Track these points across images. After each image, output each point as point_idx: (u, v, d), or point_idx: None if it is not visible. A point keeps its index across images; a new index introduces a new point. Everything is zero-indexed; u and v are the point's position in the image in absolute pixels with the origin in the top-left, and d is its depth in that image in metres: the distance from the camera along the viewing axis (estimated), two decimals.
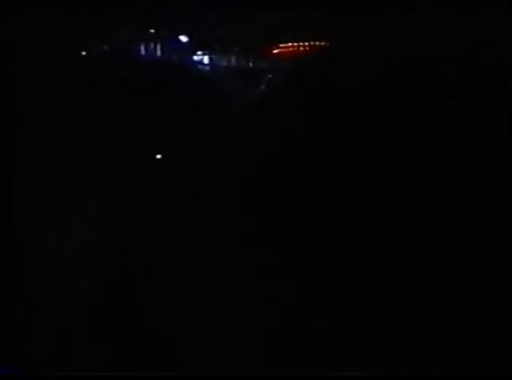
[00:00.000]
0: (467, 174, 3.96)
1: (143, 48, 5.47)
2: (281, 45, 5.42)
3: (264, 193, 4.43)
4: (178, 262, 4.16)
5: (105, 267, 4.26)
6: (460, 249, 3.70)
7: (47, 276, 4.23)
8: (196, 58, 5.48)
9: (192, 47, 5.49)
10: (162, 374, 3.46)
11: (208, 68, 5.47)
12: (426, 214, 3.92)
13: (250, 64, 5.33)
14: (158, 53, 5.47)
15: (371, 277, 3.74)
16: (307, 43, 5.33)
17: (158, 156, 5.07)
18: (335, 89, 4.69)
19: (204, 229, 4.31)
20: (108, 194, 4.70)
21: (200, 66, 5.52)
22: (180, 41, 5.51)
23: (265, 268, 3.94)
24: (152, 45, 5.47)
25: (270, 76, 5.29)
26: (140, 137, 5.08)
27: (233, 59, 5.42)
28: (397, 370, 2.98)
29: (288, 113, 4.78)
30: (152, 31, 5.52)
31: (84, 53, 5.31)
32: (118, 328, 3.88)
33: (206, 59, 5.48)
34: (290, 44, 5.39)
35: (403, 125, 4.18)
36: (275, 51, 5.43)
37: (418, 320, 3.47)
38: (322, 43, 5.29)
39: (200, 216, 4.40)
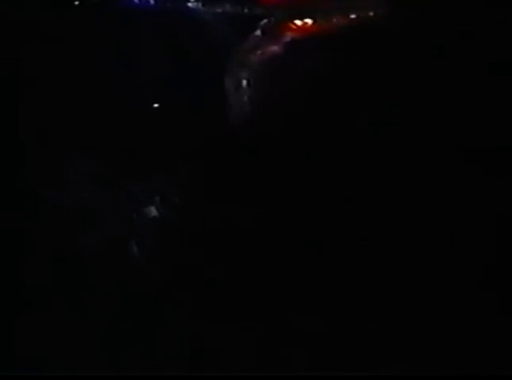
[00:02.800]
0: (468, 172, 3.92)
1: None
2: None
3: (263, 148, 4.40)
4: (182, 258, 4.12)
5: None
6: (459, 249, 3.70)
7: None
8: (190, 4, 5.43)
9: None
10: (162, 374, 3.48)
11: (202, 15, 5.43)
12: (426, 213, 3.89)
13: (245, 10, 5.29)
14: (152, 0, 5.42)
15: (371, 276, 3.75)
16: None
17: (156, 105, 5.07)
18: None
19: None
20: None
21: (194, 13, 5.47)
22: None
23: (264, 265, 3.92)
24: None
25: (265, 21, 5.26)
26: (139, 86, 5.06)
27: (227, 6, 5.37)
28: (397, 370, 3.01)
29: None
30: None
31: (76, 2, 5.25)
32: (117, 329, 3.88)
33: (200, 6, 5.43)
34: None
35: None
36: None
37: (418, 320, 3.50)
38: None
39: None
